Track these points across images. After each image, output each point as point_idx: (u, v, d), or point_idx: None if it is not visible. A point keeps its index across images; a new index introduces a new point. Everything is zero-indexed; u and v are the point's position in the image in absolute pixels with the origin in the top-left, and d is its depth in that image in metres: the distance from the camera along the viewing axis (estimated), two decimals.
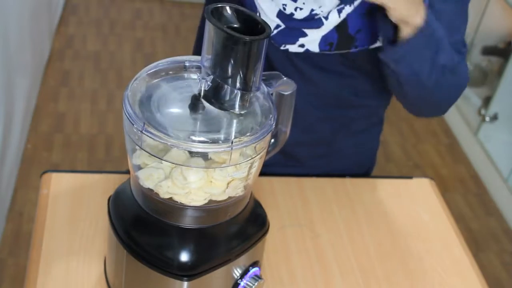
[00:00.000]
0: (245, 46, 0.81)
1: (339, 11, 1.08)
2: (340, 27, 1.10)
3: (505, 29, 3.04)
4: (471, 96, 3.06)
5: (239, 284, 0.99)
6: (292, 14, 1.09)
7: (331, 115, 1.29)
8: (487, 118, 2.83)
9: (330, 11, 1.08)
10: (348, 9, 1.07)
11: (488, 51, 3.09)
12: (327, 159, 1.38)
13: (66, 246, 1.10)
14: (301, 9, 1.07)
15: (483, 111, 2.88)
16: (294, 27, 1.11)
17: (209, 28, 0.83)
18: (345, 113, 1.30)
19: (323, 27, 1.10)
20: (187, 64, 0.92)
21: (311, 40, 1.12)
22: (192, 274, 0.91)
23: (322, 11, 1.07)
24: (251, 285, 0.99)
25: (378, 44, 1.13)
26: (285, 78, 0.96)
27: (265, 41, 0.82)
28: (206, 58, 0.86)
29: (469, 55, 3.08)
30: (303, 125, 1.27)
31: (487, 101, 2.92)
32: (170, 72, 0.92)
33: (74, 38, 3.33)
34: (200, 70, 0.88)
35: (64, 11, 3.51)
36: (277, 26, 1.13)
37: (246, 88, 0.85)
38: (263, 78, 0.91)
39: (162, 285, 0.93)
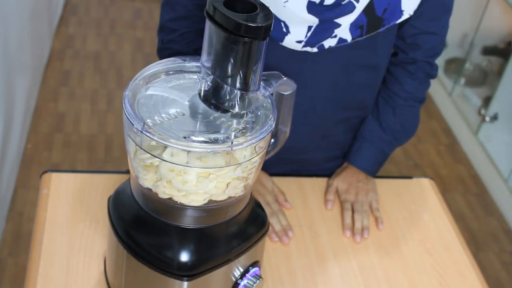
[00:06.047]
0: (245, 46, 0.81)
1: None
2: (368, 10, 1.10)
3: (505, 29, 3.03)
4: (471, 96, 3.06)
5: (239, 284, 0.99)
6: (322, 0, 1.08)
7: (346, 116, 1.29)
8: (487, 118, 2.83)
9: None
10: None
11: (488, 51, 3.08)
12: (340, 162, 1.37)
13: (66, 246, 1.10)
14: None
15: (483, 111, 2.87)
16: (327, 19, 1.09)
17: (209, 28, 0.83)
18: (357, 114, 1.30)
19: (355, 11, 1.09)
20: (187, 64, 0.92)
21: (342, 28, 1.11)
22: (192, 274, 0.91)
23: None
24: (251, 285, 0.99)
25: (403, 18, 1.14)
26: (285, 78, 0.96)
27: (265, 41, 0.82)
28: (206, 58, 0.86)
29: (469, 55, 3.08)
30: (323, 130, 1.27)
31: (487, 101, 2.92)
32: (170, 72, 0.92)
33: (74, 38, 3.33)
34: (200, 70, 0.88)
35: (64, 11, 3.51)
36: (309, 28, 1.10)
37: (246, 88, 0.85)
38: (263, 78, 0.91)
39: (162, 285, 0.93)
